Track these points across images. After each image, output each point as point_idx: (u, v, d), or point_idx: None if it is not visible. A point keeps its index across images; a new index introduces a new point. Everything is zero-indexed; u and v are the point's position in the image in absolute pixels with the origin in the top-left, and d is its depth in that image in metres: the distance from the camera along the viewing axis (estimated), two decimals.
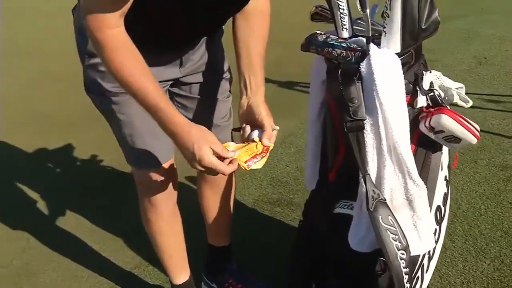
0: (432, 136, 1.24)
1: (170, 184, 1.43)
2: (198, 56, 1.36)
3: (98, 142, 2.94)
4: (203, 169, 1.10)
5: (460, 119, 1.19)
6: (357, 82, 1.19)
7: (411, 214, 1.28)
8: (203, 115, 1.44)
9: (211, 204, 1.63)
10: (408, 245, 1.21)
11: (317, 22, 1.37)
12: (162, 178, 1.39)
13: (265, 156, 1.20)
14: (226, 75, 1.48)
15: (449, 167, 1.41)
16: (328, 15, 1.27)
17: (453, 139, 1.23)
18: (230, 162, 1.13)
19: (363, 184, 1.23)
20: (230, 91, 1.54)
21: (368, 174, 1.21)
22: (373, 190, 1.20)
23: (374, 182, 1.22)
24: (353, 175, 1.31)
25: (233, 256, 1.83)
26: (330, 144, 1.40)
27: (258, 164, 1.19)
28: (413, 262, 1.28)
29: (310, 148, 1.50)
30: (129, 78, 1.06)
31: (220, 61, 1.44)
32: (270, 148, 1.22)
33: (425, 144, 1.29)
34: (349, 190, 1.35)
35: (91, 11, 1.03)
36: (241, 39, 1.29)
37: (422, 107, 1.25)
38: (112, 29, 1.04)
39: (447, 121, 1.18)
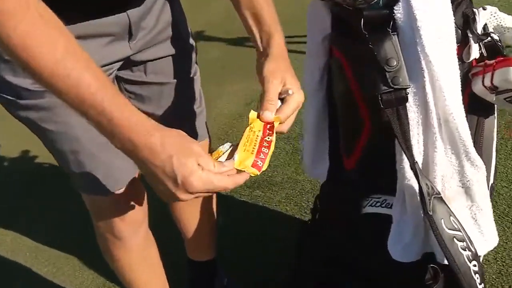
0: (493, 98, 0.90)
1: (139, 208, 1.03)
2: (153, 20, 0.94)
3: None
4: (193, 197, 0.69)
5: None
6: (393, 34, 0.82)
7: (469, 204, 0.96)
8: (168, 105, 1.03)
9: (189, 216, 1.25)
10: (476, 251, 0.90)
11: None
12: (127, 203, 0.99)
13: (271, 140, 0.77)
14: (191, 42, 1.07)
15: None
16: None
17: None
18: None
19: (409, 176, 0.89)
20: (196, 63, 1.14)
21: (417, 162, 0.87)
22: (427, 184, 0.86)
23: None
24: (383, 162, 0.97)
25: (221, 266, 1.47)
26: (345, 121, 1.04)
27: (268, 158, 0.77)
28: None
29: (310, 126, 1.14)
30: (43, 61, 0.61)
31: (182, 23, 1.03)
32: (276, 124, 0.78)
33: (476, 108, 0.96)
34: (379, 181, 1.01)
35: None
36: None
37: (473, 60, 0.91)
38: None
39: None
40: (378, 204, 1.01)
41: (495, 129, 1.03)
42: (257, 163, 0.75)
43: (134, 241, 1.05)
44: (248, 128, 0.78)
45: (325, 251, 1.11)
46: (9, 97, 0.84)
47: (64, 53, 0.62)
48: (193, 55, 1.07)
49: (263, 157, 0.76)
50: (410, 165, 0.86)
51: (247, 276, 1.55)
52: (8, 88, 0.82)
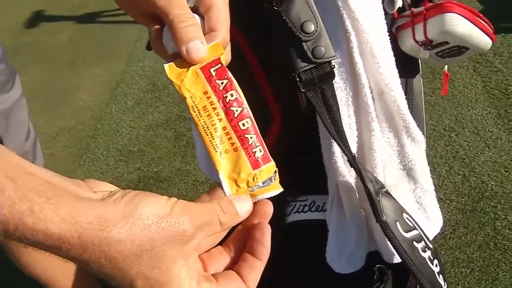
0: (426, 54, 0.72)
1: None
2: None
3: None
4: None
5: (475, 16, 0.68)
6: None
7: (412, 188, 0.79)
8: None
9: (49, 264, 0.94)
10: (433, 246, 0.74)
11: None
12: None
13: (237, 95, 0.41)
14: None
15: None
16: None
17: (455, 51, 0.73)
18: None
19: (344, 172, 0.69)
20: (13, 71, 0.80)
21: (355, 155, 0.66)
22: (371, 179, 0.66)
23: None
24: (303, 156, 0.77)
25: None
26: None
27: (257, 130, 0.41)
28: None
29: None
30: None
31: None
32: (224, 59, 0.42)
33: (402, 69, 0.77)
34: (302, 179, 0.80)
35: None
36: None
37: (395, 10, 0.72)
38: None
39: (461, 25, 0.66)
40: (306, 208, 0.80)
41: (422, 89, 0.87)
42: (259, 160, 0.39)
43: None
44: (188, 105, 0.39)
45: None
46: None
47: None
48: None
49: (252, 137, 0.40)
50: (349, 160, 0.65)
51: None
52: None
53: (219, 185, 0.39)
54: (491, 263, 1.26)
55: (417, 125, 0.78)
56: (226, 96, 0.40)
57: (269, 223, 0.75)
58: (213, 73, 0.40)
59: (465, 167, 1.53)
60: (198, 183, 1.68)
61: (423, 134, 0.84)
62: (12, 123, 0.74)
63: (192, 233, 0.34)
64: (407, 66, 0.77)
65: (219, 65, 0.41)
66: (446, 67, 0.82)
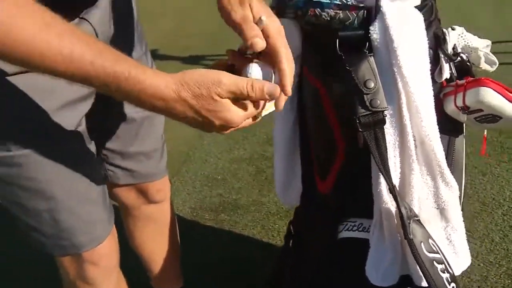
0: (464, 118, 0.91)
1: (114, 252, 0.96)
2: (105, 16, 0.81)
3: None
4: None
5: (506, 91, 0.86)
6: (369, 55, 0.81)
7: (444, 226, 0.95)
8: (135, 142, 0.99)
9: (152, 245, 1.19)
10: (454, 273, 0.89)
11: None
12: (106, 256, 0.92)
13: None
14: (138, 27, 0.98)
15: None
16: None
17: (490, 118, 0.90)
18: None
19: (386, 200, 0.88)
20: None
21: (395, 186, 0.85)
22: (405, 207, 0.85)
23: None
24: (359, 185, 0.96)
25: None
26: (318, 144, 1.02)
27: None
28: None
29: (281, 149, 1.11)
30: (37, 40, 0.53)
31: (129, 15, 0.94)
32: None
33: (447, 128, 0.96)
34: (355, 204, 0.99)
35: None
36: None
37: (444, 80, 0.92)
38: None
39: (492, 97, 0.85)
40: (355, 228, 0.98)
41: (464, 148, 1.04)
42: None
43: (106, 286, 0.97)
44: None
45: (304, 279, 1.08)
46: None
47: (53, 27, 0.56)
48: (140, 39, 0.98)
49: None
50: (389, 189, 0.84)
51: None
52: None
53: None
54: None
55: (454, 175, 0.95)
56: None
57: (323, 235, 0.98)
58: None
59: None
60: (270, 214, 1.89)
61: (460, 184, 1.00)
62: None
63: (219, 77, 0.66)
64: (451, 126, 0.95)
65: None
66: (485, 131, 1.00)
